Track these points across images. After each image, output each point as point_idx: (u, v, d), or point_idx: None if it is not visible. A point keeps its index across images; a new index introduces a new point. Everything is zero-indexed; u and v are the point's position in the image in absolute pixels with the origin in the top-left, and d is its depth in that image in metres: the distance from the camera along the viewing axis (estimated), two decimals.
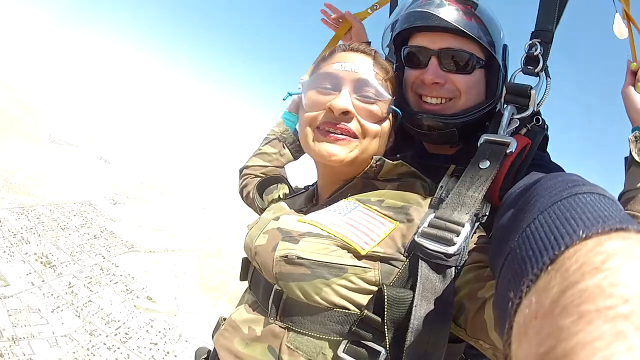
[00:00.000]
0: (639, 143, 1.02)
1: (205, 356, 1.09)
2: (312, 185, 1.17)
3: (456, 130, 1.03)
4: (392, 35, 1.16)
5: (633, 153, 1.02)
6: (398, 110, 1.00)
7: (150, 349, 63.39)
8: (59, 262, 73.61)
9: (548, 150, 1.14)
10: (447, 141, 1.07)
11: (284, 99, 1.17)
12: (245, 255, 1.04)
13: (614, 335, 0.25)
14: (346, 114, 0.92)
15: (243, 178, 1.51)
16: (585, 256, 0.36)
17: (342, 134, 0.93)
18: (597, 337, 0.26)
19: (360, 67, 0.95)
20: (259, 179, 1.40)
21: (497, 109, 1.01)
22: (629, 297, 0.27)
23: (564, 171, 0.95)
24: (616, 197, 0.91)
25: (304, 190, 1.18)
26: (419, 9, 1.04)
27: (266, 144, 1.54)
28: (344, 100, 0.91)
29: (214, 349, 0.97)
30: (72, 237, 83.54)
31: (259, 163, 1.50)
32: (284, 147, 1.51)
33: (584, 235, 0.40)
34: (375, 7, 1.53)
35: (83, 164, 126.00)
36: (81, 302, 66.85)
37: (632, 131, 1.05)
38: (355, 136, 0.94)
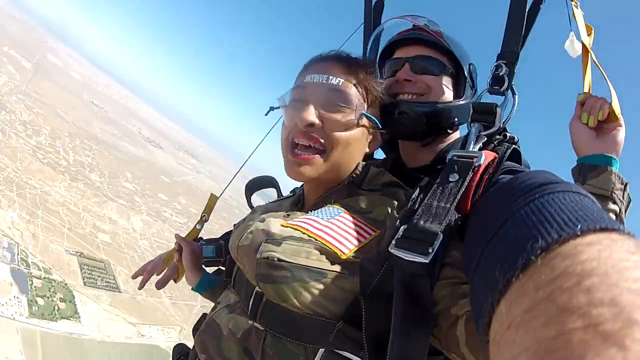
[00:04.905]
0: (581, 175, 1.07)
1: (182, 354, 1.11)
2: (299, 189, 1.19)
3: (424, 117, 1.07)
4: (377, 58, 1.28)
5: (577, 183, 1.07)
6: (370, 116, 0.96)
7: None
8: None
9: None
10: (415, 128, 1.09)
11: (266, 115, 1.16)
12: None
13: (594, 354, 0.26)
14: (311, 126, 0.92)
15: None
16: (562, 264, 0.35)
17: (309, 148, 0.93)
18: (578, 355, 0.26)
19: (328, 75, 0.94)
20: None
21: (466, 129, 1.04)
22: (611, 317, 0.27)
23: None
24: None
25: (291, 195, 1.21)
26: (401, 33, 1.20)
27: None
28: (308, 113, 0.91)
29: (194, 347, 0.97)
30: None
31: None
32: None
33: (560, 238, 0.39)
34: (204, 219, 1.45)
35: None
36: None
37: (577, 162, 1.10)
38: (322, 149, 0.93)
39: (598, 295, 0.30)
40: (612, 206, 1.03)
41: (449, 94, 1.13)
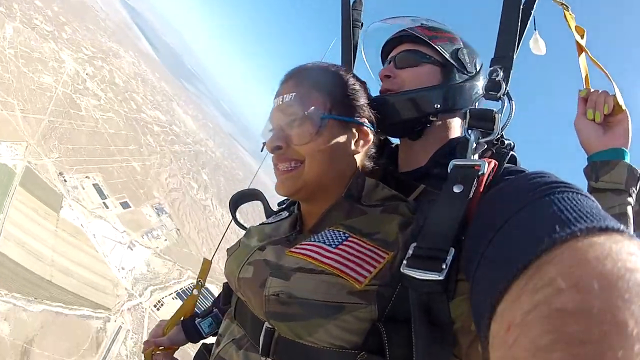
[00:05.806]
0: (594, 173, 1.04)
1: None
2: (291, 204, 1.16)
3: (395, 106, 1.06)
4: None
5: (590, 181, 1.04)
6: (333, 116, 0.92)
7: None
8: None
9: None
10: (392, 119, 1.06)
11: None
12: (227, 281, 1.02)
13: (592, 357, 0.26)
14: (279, 149, 0.91)
15: None
16: (561, 265, 0.35)
17: (286, 165, 0.92)
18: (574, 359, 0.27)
19: (282, 96, 0.93)
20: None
21: (463, 135, 0.96)
22: (608, 320, 0.28)
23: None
24: None
25: (288, 215, 1.11)
26: (394, 33, 1.19)
27: None
28: (271, 140, 0.92)
29: None
30: None
31: None
32: None
33: (561, 239, 0.39)
34: (199, 284, 1.42)
35: None
36: None
37: (588, 160, 1.08)
38: (298, 164, 0.91)
39: (595, 298, 0.30)
40: (629, 199, 1.00)
41: (430, 83, 1.08)
